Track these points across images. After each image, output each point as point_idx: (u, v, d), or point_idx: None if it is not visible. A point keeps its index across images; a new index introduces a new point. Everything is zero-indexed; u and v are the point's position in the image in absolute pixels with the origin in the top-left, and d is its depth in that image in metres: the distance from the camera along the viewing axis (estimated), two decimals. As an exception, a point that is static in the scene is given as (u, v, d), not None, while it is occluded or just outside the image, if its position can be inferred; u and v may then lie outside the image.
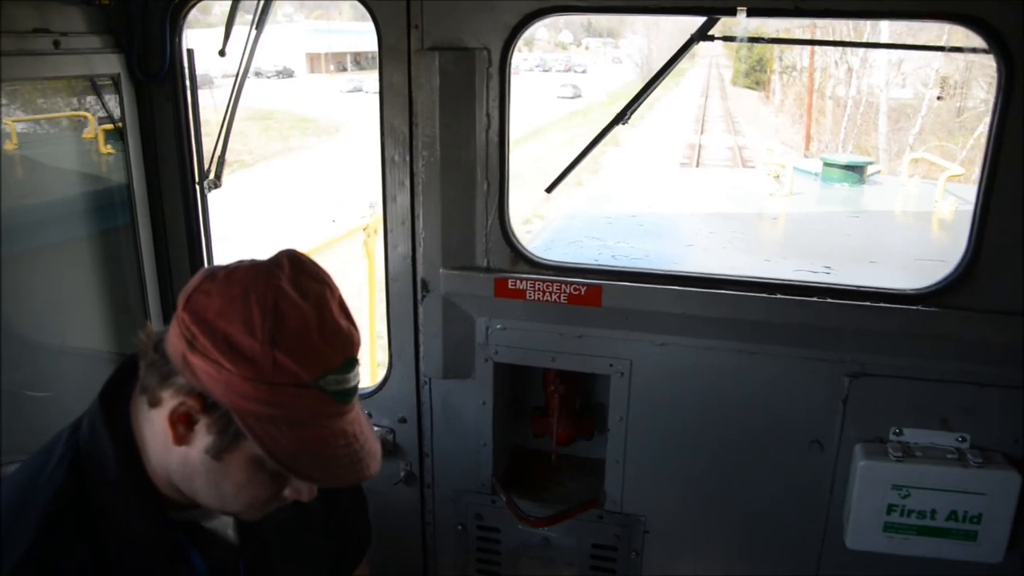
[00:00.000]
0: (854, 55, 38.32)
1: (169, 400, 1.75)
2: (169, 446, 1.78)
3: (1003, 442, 3.12)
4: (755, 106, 64.61)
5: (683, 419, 3.39)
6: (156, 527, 1.88)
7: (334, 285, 1.84)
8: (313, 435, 1.74)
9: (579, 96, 63.62)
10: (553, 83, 69.47)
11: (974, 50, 2.88)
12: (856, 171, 8.10)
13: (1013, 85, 2.73)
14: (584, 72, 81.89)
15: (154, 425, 1.81)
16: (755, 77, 77.52)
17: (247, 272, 1.75)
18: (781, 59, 57.80)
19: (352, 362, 1.79)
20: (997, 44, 2.72)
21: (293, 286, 1.73)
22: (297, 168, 33.03)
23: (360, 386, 1.87)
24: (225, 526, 2.07)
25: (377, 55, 3.24)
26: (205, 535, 2.01)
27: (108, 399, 1.90)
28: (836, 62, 42.22)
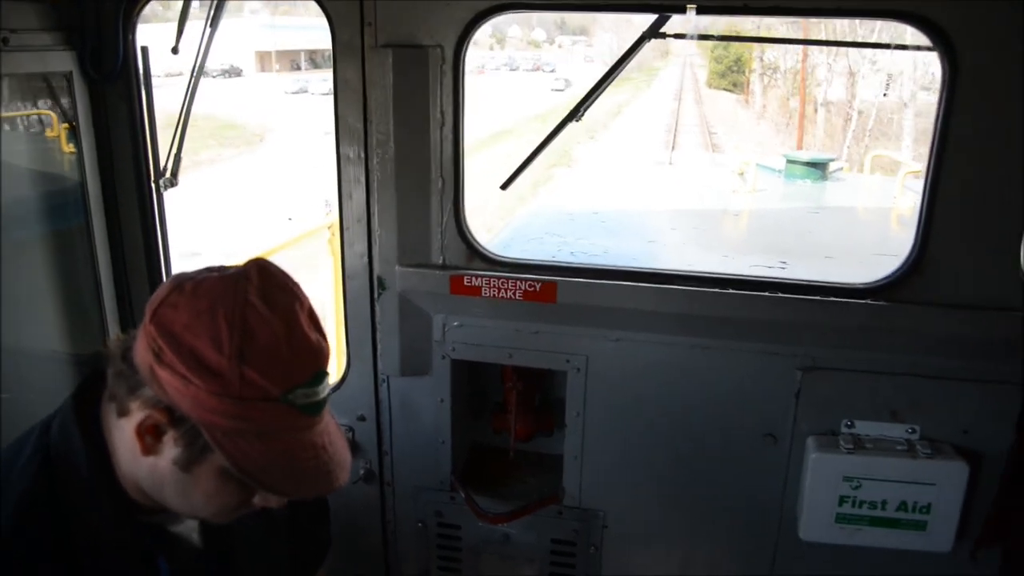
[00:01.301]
0: (860, 56, 33.96)
1: (137, 412, 1.74)
2: (137, 455, 1.78)
3: (952, 433, 3.18)
4: (733, 111, 61.33)
5: (639, 414, 3.42)
6: (126, 531, 1.88)
7: (304, 296, 1.83)
8: (282, 448, 1.74)
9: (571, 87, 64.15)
10: (547, 79, 69.44)
11: (919, 47, 2.93)
12: (818, 168, 8.19)
13: (956, 82, 2.78)
14: (552, 71, 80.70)
15: (123, 433, 1.81)
16: (732, 78, 75.58)
17: (215, 285, 1.73)
18: (762, 59, 53.49)
19: (321, 375, 1.79)
20: (941, 42, 2.77)
21: (262, 299, 1.72)
22: (193, 190, 27.15)
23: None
24: (190, 530, 2.07)
25: (331, 52, 3.24)
26: (170, 539, 2.01)
27: (80, 400, 1.89)
28: (830, 64, 37.41)
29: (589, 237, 4.95)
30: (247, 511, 1.93)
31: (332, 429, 1.89)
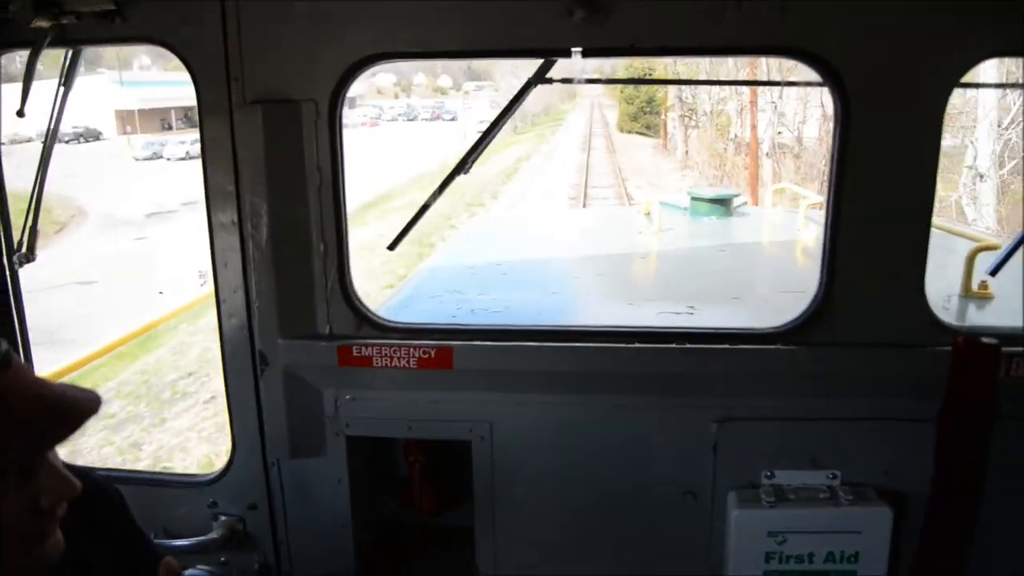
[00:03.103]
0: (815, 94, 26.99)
1: None
2: None
3: (873, 475, 3.10)
4: (651, 159, 53.69)
5: (551, 479, 3.24)
6: None
7: None
8: None
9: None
10: (448, 128, 67.09)
11: (809, 83, 2.90)
12: (723, 204, 8.20)
13: (849, 117, 2.75)
14: (453, 119, 77.47)
15: None
16: (646, 120, 71.87)
17: None
18: (681, 100, 48.93)
19: None
20: (832, 78, 2.74)
21: None
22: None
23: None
24: None
25: (197, 111, 3.01)
26: None
27: None
28: (775, 103, 30.91)
29: (490, 292, 4.78)
30: (49, 524, 1.65)
31: (44, 381, 1.65)
